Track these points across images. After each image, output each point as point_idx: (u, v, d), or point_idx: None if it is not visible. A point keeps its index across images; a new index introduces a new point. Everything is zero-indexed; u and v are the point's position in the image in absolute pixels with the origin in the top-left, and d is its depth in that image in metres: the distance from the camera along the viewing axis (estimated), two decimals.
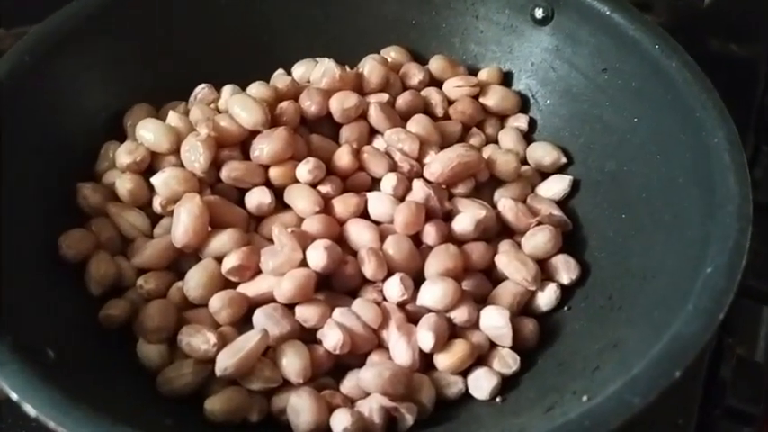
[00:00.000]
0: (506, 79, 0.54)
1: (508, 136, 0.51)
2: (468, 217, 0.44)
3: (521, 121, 0.52)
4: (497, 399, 0.40)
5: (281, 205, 0.45)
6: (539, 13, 0.51)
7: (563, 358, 0.41)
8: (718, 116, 0.41)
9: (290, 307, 0.41)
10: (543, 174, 0.50)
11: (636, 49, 0.46)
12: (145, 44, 0.50)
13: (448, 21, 0.54)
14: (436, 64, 0.53)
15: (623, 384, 0.32)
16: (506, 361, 0.41)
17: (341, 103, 0.48)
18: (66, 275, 0.42)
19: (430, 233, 0.43)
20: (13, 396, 0.30)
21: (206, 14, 0.52)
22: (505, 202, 0.46)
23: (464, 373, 0.41)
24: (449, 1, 0.53)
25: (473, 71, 0.54)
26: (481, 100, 0.52)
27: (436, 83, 0.53)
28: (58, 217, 0.43)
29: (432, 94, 0.52)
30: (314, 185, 0.45)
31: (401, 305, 0.42)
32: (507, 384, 0.41)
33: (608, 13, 0.47)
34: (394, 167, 0.46)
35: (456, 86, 0.52)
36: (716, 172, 0.39)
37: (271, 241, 0.43)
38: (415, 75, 0.52)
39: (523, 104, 0.53)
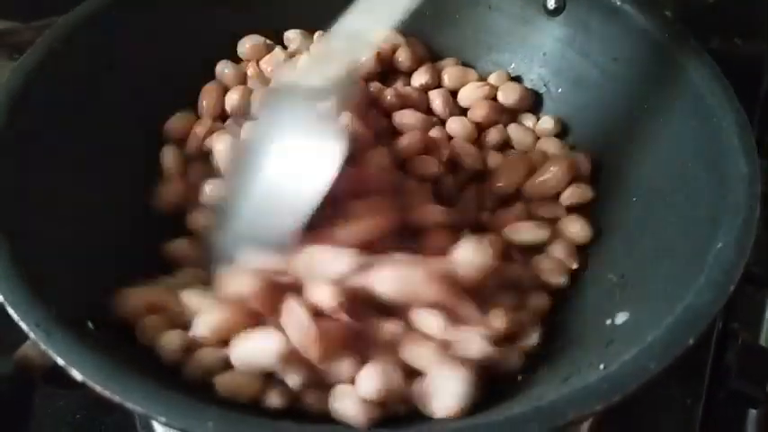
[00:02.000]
0: (515, 78, 0.55)
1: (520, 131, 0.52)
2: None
3: (532, 119, 0.53)
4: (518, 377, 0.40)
5: None
6: (551, 3, 0.52)
7: (577, 334, 0.42)
8: (727, 101, 0.42)
9: None
10: None
11: (646, 38, 0.47)
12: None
13: (461, 11, 0.55)
14: (449, 73, 0.54)
15: (640, 351, 0.33)
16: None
17: None
18: (105, 250, 0.42)
19: None
20: (60, 362, 0.32)
21: None
22: None
23: None
24: None
25: (485, 61, 0.55)
26: (500, 99, 0.53)
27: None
28: (92, 200, 0.44)
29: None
30: None
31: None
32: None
33: (618, 3, 0.48)
34: None
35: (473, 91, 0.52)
36: (725, 155, 0.40)
37: None
38: (419, 76, 0.53)
39: (536, 94, 0.54)
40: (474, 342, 0.37)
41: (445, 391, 0.36)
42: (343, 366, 0.36)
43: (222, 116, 0.51)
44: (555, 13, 0.52)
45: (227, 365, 0.38)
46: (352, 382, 0.36)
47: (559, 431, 0.32)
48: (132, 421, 0.46)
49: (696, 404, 0.48)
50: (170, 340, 0.38)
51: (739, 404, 0.49)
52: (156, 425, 0.45)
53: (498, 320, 0.39)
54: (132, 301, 0.39)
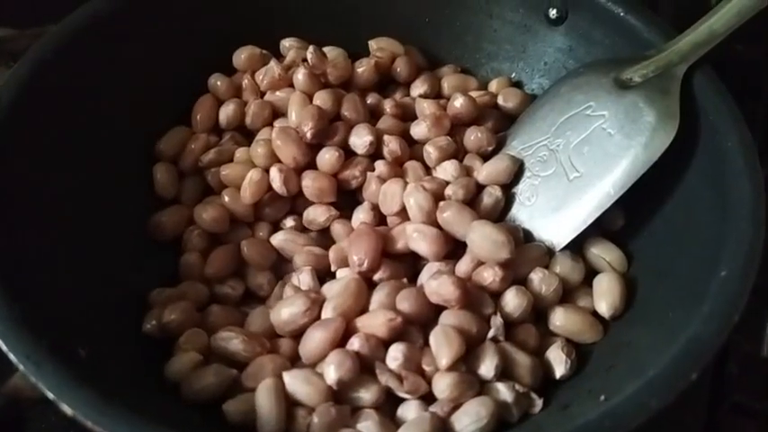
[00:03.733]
0: (516, 86, 0.54)
1: None
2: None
3: None
4: None
5: None
6: (553, 12, 0.51)
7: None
8: (731, 120, 0.41)
9: None
10: None
11: (649, 50, 0.46)
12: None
13: (461, 19, 0.54)
14: (449, 81, 0.53)
15: (641, 386, 0.32)
16: None
17: None
18: (96, 278, 0.41)
19: None
20: (51, 396, 0.31)
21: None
22: None
23: None
24: None
25: (486, 70, 0.55)
26: (501, 104, 0.52)
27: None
28: (83, 228, 0.43)
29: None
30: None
31: None
32: None
33: (622, 14, 0.48)
34: None
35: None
36: (729, 175, 0.39)
37: None
38: (417, 87, 0.52)
39: None
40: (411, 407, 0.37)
41: None
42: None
43: (216, 129, 0.50)
44: (557, 22, 0.51)
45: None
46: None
47: None
48: None
49: (696, 418, 0.47)
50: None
51: (741, 417, 0.49)
52: None
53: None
54: None
